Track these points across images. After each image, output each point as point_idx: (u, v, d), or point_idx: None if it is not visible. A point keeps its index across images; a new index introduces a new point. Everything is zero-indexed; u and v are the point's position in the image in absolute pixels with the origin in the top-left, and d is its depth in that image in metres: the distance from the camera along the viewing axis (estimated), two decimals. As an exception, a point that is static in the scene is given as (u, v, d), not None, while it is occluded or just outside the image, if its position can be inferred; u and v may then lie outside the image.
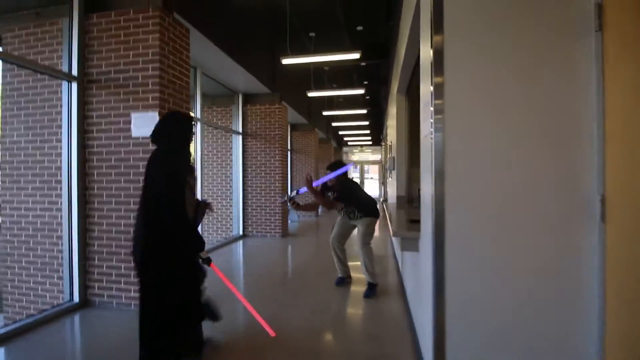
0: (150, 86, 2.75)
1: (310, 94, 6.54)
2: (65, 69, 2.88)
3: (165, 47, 2.82)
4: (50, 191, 2.97)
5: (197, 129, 4.79)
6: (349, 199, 3.27)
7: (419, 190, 3.95)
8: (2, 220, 3.18)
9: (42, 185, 2.99)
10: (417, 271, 1.99)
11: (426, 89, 1.64)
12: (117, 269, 2.83)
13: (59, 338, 2.41)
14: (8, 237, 3.12)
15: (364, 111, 8.39)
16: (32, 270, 3.03)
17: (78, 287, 2.87)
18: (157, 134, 1.92)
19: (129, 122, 2.80)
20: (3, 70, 3.16)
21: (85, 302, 2.90)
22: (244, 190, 6.28)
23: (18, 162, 3.07)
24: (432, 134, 1.43)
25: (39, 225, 3.01)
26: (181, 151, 1.92)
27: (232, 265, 4.56)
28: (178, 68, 2.99)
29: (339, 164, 3.36)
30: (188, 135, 1.96)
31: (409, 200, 4.06)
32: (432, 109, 1.43)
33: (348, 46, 6.85)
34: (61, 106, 2.92)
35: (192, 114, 4.79)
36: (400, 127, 4.11)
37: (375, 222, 3.30)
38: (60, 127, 2.92)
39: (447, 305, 1.38)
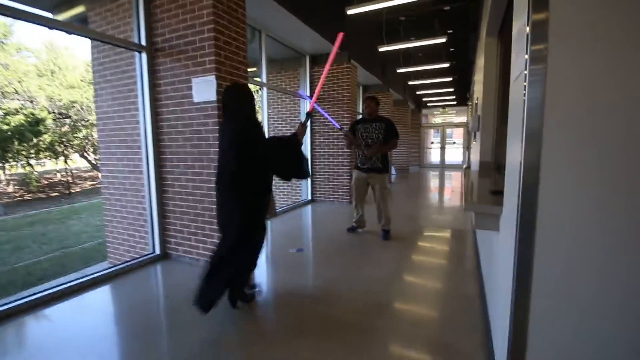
0: (206, 49, 2.71)
1: (382, 49, 5.92)
2: (136, 40, 3.02)
3: (218, 5, 2.71)
4: (133, 155, 3.29)
5: (263, 93, 4.77)
6: (397, 133, 3.70)
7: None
8: (101, 179, 3.70)
9: (128, 150, 3.32)
10: (494, 255, 1.61)
11: (520, 25, 1.17)
12: (188, 228, 3.05)
13: (141, 285, 2.73)
14: (107, 195, 3.63)
15: (447, 65, 7.33)
16: (125, 224, 3.50)
17: (159, 241, 3.20)
18: (224, 108, 2.08)
19: (191, 88, 2.84)
20: (92, 47, 3.50)
21: (165, 255, 3.23)
22: (312, 155, 6.23)
23: (109, 129, 3.46)
24: (525, 88, 1.01)
25: (127, 185, 3.40)
26: (254, 121, 2.04)
27: (300, 229, 4.62)
28: (234, 28, 2.88)
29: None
30: (253, 106, 2.10)
31: (496, 167, 3.43)
32: (526, 57, 1.00)
33: (428, -12, 5.92)
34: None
35: (251, 83, 4.77)
36: (489, 76, 3.38)
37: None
38: (137, 96, 3.15)
39: (532, 307, 1.03)
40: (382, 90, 8.81)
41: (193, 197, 2.97)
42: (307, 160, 2.16)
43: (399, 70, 7.60)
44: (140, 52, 3.00)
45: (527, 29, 1.00)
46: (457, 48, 8.82)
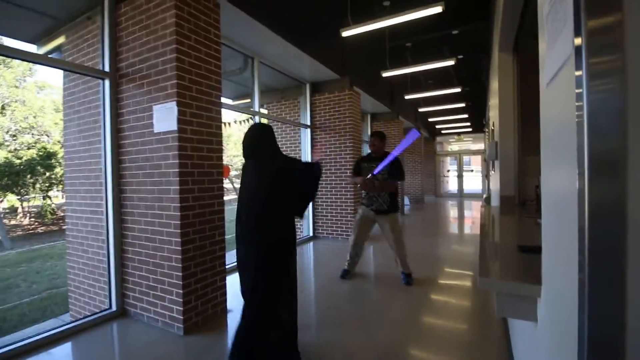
0: (168, 72, 2.36)
1: (386, 74, 5.56)
2: (101, 66, 2.73)
3: (184, 24, 2.38)
4: (96, 194, 2.90)
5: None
6: (403, 172, 3.36)
7: (536, 188, 2.69)
8: (66, 219, 3.31)
9: (91, 188, 2.94)
10: (534, 352, 1.02)
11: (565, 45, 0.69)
12: (146, 280, 2.56)
13: (90, 352, 2.21)
14: (70, 237, 3.22)
15: (458, 90, 6.88)
16: (86, 272, 3.04)
17: (115, 295, 2.71)
18: (254, 148, 1.96)
19: (152, 117, 2.47)
20: (64, 77, 3.26)
21: (123, 312, 2.72)
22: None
23: (75, 164, 3.11)
24: (583, 99, 0.50)
25: (90, 228, 2.98)
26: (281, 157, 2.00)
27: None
28: (204, 50, 2.54)
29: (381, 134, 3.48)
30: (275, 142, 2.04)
31: (521, 202, 2.82)
32: (583, 72, 0.50)
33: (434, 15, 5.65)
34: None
35: (243, 112, 4.45)
36: (506, 96, 2.87)
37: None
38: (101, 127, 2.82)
39: None
40: (391, 118, 8.40)
41: (152, 243, 2.50)
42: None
43: (407, 97, 7.21)
44: (103, 79, 2.69)
45: (578, 40, 0.51)
46: (468, 72, 8.43)
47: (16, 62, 11.84)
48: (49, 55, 3.39)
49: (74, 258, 3.19)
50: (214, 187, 2.61)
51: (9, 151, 11.12)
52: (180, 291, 2.35)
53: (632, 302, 0.39)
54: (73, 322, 2.55)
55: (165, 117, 2.37)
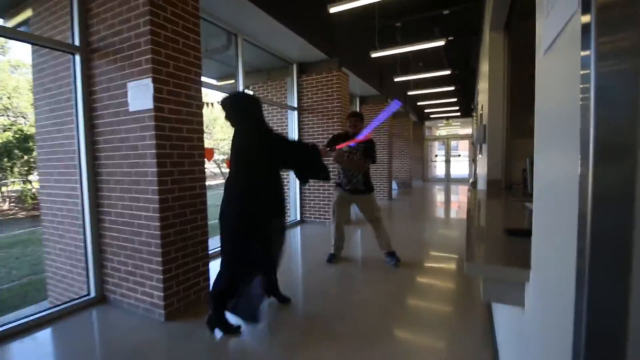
0: (142, 46, 2.20)
1: (375, 55, 5.42)
2: (70, 40, 2.54)
3: (158, -6, 2.21)
4: (70, 177, 2.75)
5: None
6: (375, 155, 3.34)
7: (523, 171, 2.68)
8: (40, 204, 3.17)
9: (65, 171, 2.79)
10: (522, 338, 1.00)
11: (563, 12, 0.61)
12: (125, 266, 2.47)
13: (69, 338, 2.14)
14: (46, 222, 3.09)
15: (448, 72, 6.80)
16: (63, 258, 2.93)
17: (94, 281, 2.63)
18: (239, 116, 2.09)
19: (126, 95, 2.32)
20: (32, 52, 3.04)
21: (102, 298, 2.65)
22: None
23: (47, 146, 2.94)
24: (591, 80, 0.43)
25: (65, 212, 2.85)
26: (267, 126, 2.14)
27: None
28: (181, 22, 2.38)
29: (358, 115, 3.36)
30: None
31: (507, 186, 2.81)
32: (591, 51, 0.42)
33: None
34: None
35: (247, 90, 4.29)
36: (496, 78, 2.81)
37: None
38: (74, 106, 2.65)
39: None
40: (380, 101, 8.29)
41: (130, 227, 2.41)
42: (326, 167, 2.25)
43: (396, 79, 7.09)
44: (74, 54, 2.51)
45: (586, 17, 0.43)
46: (458, 55, 8.33)
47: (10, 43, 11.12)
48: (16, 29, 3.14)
49: (50, 244, 3.07)
50: (195, 170, 2.51)
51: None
52: (161, 277, 2.28)
53: (637, 292, 0.34)
54: (51, 308, 2.47)
55: (140, 94, 2.23)
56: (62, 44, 2.50)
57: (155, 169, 2.21)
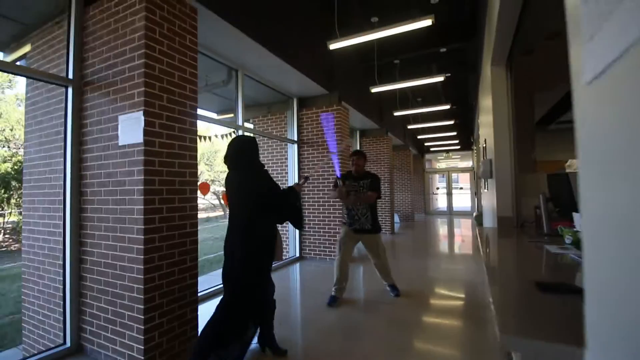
0: (135, 79, 2.14)
1: (375, 90, 5.46)
2: (64, 73, 2.50)
3: (155, 29, 2.18)
4: (55, 213, 2.60)
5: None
6: (380, 189, 3.28)
7: (536, 208, 2.51)
8: (22, 241, 2.98)
9: (50, 207, 2.64)
10: None
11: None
12: (105, 312, 2.24)
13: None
14: (26, 261, 2.88)
15: (447, 107, 6.85)
16: (41, 301, 2.69)
17: (70, 329, 2.38)
18: (238, 160, 2.14)
19: (117, 128, 2.23)
20: (27, 85, 3.01)
21: (78, 347, 2.38)
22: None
23: (34, 180, 2.82)
24: None
25: (46, 251, 2.66)
26: (264, 171, 2.19)
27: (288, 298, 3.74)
28: (178, 56, 2.34)
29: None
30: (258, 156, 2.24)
31: (520, 224, 2.63)
32: None
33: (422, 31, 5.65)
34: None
35: (237, 129, 4.26)
36: (501, 113, 2.74)
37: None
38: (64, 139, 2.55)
39: None
40: (380, 134, 8.31)
41: (112, 270, 2.21)
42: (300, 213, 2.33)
43: (396, 114, 7.14)
44: (67, 87, 2.45)
45: None
46: (456, 91, 8.48)
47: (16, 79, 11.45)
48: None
49: (29, 285, 2.84)
50: (186, 207, 2.36)
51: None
52: (142, 327, 2.04)
53: None
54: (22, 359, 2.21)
55: (131, 128, 2.13)
56: (55, 76, 2.45)
57: (142, 207, 2.06)
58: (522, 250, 1.76)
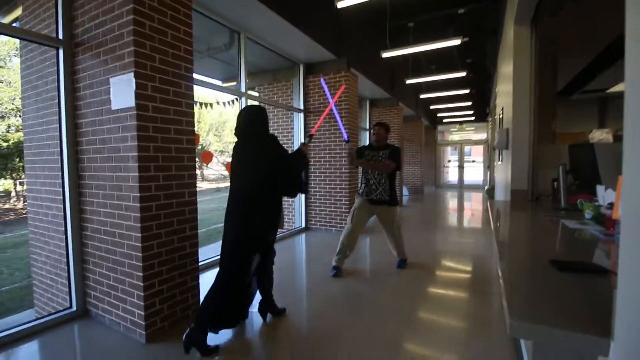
0: (125, 37, 1.99)
1: (386, 55, 5.15)
2: (55, 33, 2.36)
3: (144, -19, 2.00)
4: (56, 180, 2.57)
5: (242, 104, 4.05)
6: (400, 161, 3.16)
7: (554, 181, 2.35)
8: (27, 210, 3.00)
9: (50, 174, 2.61)
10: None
11: None
12: (107, 279, 2.25)
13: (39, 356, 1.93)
14: (32, 228, 2.92)
15: (462, 74, 6.47)
16: (48, 267, 2.75)
17: (75, 293, 2.42)
18: (247, 129, 2.12)
19: (109, 92, 2.12)
20: (20, 47, 2.89)
21: (85, 312, 2.44)
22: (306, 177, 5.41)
23: (34, 146, 2.77)
24: None
25: (50, 217, 2.67)
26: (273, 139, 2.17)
27: (293, 269, 3.76)
28: (170, 12, 2.16)
29: None
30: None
31: (535, 197, 2.49)
32: None
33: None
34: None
35: (244, 96, 4.09)
36: (522, 77, 2.51)
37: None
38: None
39: None
40: (391, 103, 8.00)
41: (112, 237, 2.19)
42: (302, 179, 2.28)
43: (408, 82, 6.80)
44: (58, 48, 2.33)
45: None
46: (473, 57, 7.98)
47: (2, 39, 11.29)
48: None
49: (36, 250, 2.89)
50: (184, 175, 2.28)
51: (-6, 133, 10.71)
52: (142, 293, 2.05)
53: None
54: (32, 321, 2.28)
55: (122, 91, 2.02)
56: (45, 37, 2.33)
57: (137, 174, 1.99)
58: (536, 225, 1.64)
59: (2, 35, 2.70)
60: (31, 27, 2.64)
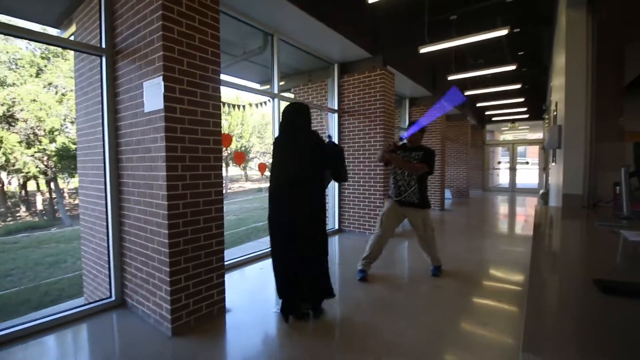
0: (155, 43, 2.08)
1: (424, 50, 4.90)
2: (99, 42, 2.55)
3: (173, -13, 2.08)
4: (101, 178, 2.78)
5: (275, 105, 4.09)
6: (432, 164, 3.03)
7: (615, 185, 2.02)
8: (80, 206, 3.29)
9: (97, 172, 2.83)
10: None
11: None
12: (141, 272, 2.38)
13: (82, 344, 2.09)
14: (83, 222, 3.19)
15: (513, 67, 5.95)
16: (95, 258, 2.99)
17: (114, 284, 2.59)
18: (291, 123, 2.28)
19: (142, 95, 2.23)
20: (75, 57, 3.18)
21: (122, 302, 2.60)
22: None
23: (85, 147, 3.04)
24: None
25: (96, 213, 2.90)
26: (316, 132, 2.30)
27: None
28: (197, 17, 2.23)
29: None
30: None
31: (591, 203, 2.17)
32: None
33: None
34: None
35: (279, 98, 4.13)
36: (577, 65, 2.21)
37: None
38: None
39: None
40: (432, 102, 7.61)
41: (144, 233, 2.31)
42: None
43: (451, 78, 6.42)
44: (101, 56, 2.51)
45: None
46: (526, 49, 7.33)
47: (72, 53, 12.74)
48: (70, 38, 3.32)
49: (86, 242, 3.17)
50: (210, 175, 2.34)
51: (67, 137, 12.05)
52: (169, 288, 2.12)
53: None
54: (74, 308, 2.48)
55: (153, 94, 2.12)
56: (89, 46, 2.53)
57: (164, 173, 2.07)
58: (587, 235, 1.41)
59: (52, 46, 2.97)
60: (82, 38, 2.90)
